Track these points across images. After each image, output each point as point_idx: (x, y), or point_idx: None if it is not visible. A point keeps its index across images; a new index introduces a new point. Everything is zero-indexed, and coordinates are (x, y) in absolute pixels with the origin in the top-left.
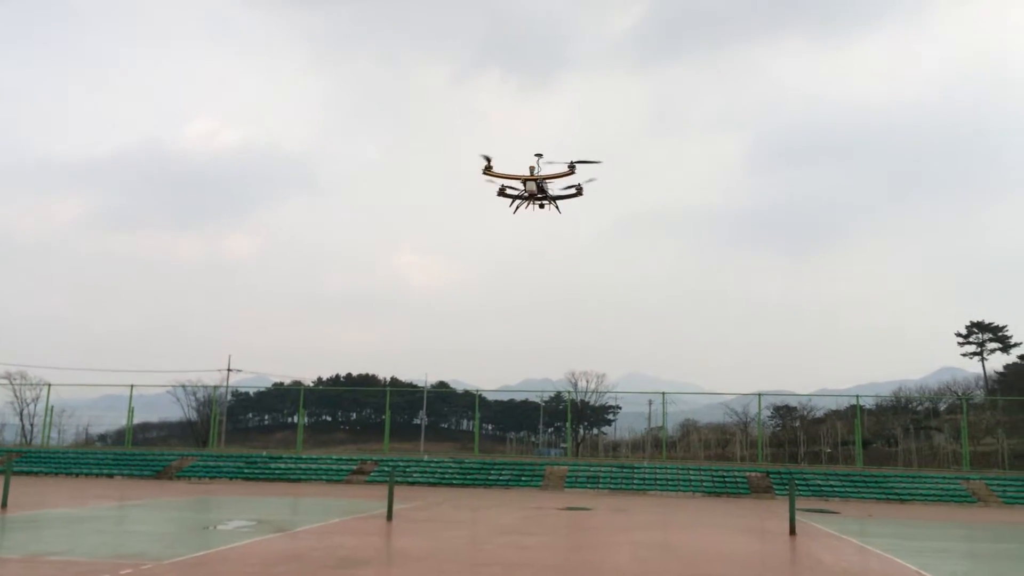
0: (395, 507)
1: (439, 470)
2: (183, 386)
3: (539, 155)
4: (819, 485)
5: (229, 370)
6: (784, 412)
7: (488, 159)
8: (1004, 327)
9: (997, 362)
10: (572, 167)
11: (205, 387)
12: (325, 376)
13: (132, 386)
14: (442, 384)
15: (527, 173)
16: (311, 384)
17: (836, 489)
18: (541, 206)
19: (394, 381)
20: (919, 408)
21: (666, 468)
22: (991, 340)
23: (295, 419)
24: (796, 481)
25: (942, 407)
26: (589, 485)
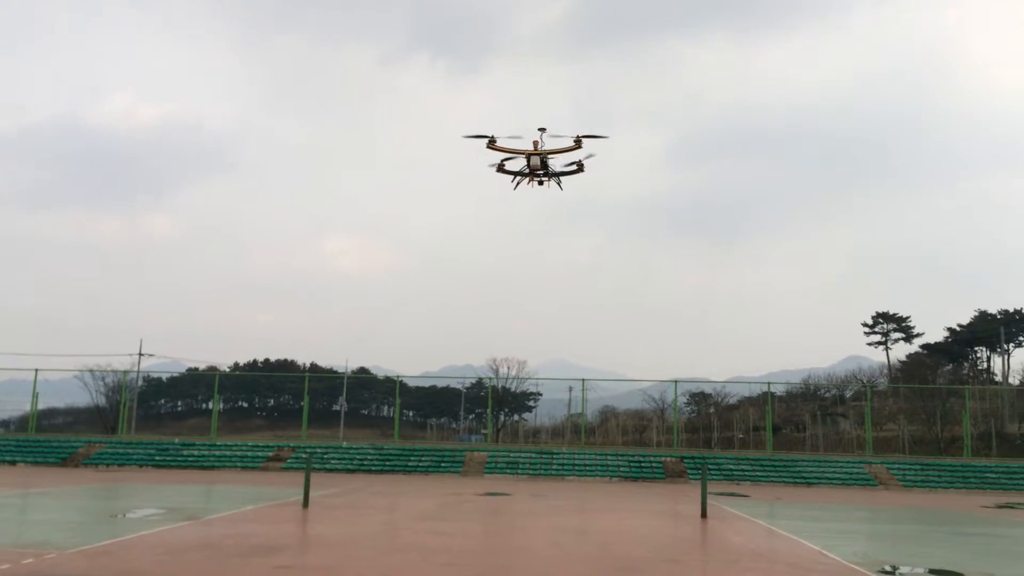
0: (312, 494)
1: (358, 456)
2: (91, 371)
3: (543, 129)
4: (731, 469)
5: (140, 354)
6: (699, 399)
7: (491, 137)
8: (907, 318)
9: (900, 351)
10: (579, 142)
11: (115, 372)
12: (242, 361)
13: (37, 370)
14: (363, 370)
15: (531, 148)
16: (227, 369)
17: (747, 473)
18: (541, 182)
19: (314, 367)
20: (827, 395)
21: (585, 454)
22: (895, 330)
23: (210, 405)
24: (709, 466)
25: (848, 394)
26: (509, 471)
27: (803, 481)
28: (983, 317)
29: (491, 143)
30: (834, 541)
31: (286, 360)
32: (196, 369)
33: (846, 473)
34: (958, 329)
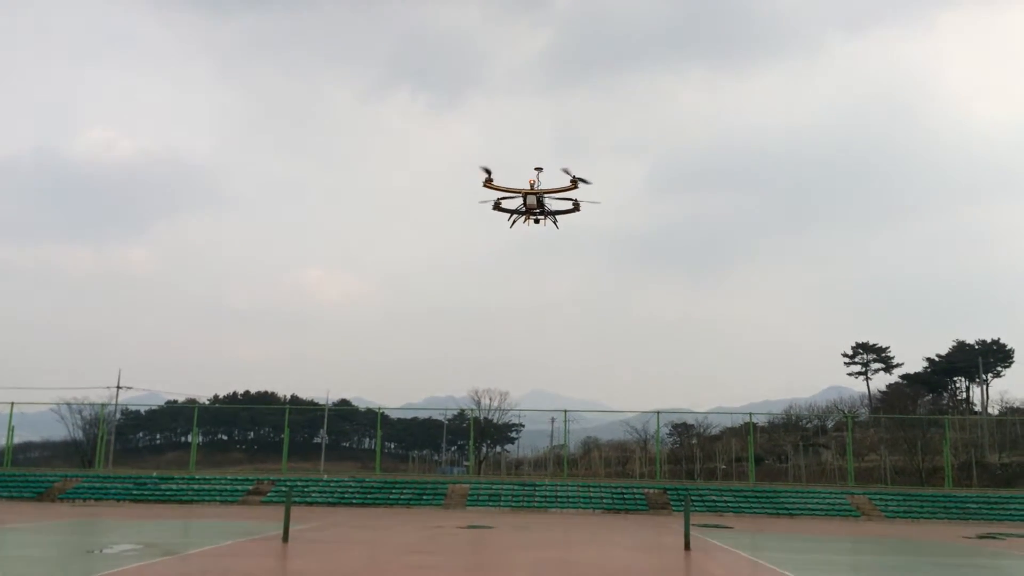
0: (292, 528)
1: (339, 490)
2: (68, 404)
3: (539, 169)
4: (714, 501)
5: (119, 387)
6: (682, 429)
7: (488, 171)
8: (887, 348)
9: (880, 381)
10: (575, 182)
11: (92, 405)
12: (222, 394)
13: (12, 403)
14: (344, 402)
15: (527, 187)
16: (206, 402)
17: (730, 504)
18: (536, 221)
19: (294, 399)
20: (808, 425)
21: (567, 486)
22: (875, 360)
23: (189, 438)
24: (692, 497)
25: (830, 424)
26: (491, 503)
27: (786, 512)
28: (961, 347)
29: (488, 182)
30: (817, 573)
31: (266, 392)
32: (175, 402)
33: (828, 504)
34: (937, 359)
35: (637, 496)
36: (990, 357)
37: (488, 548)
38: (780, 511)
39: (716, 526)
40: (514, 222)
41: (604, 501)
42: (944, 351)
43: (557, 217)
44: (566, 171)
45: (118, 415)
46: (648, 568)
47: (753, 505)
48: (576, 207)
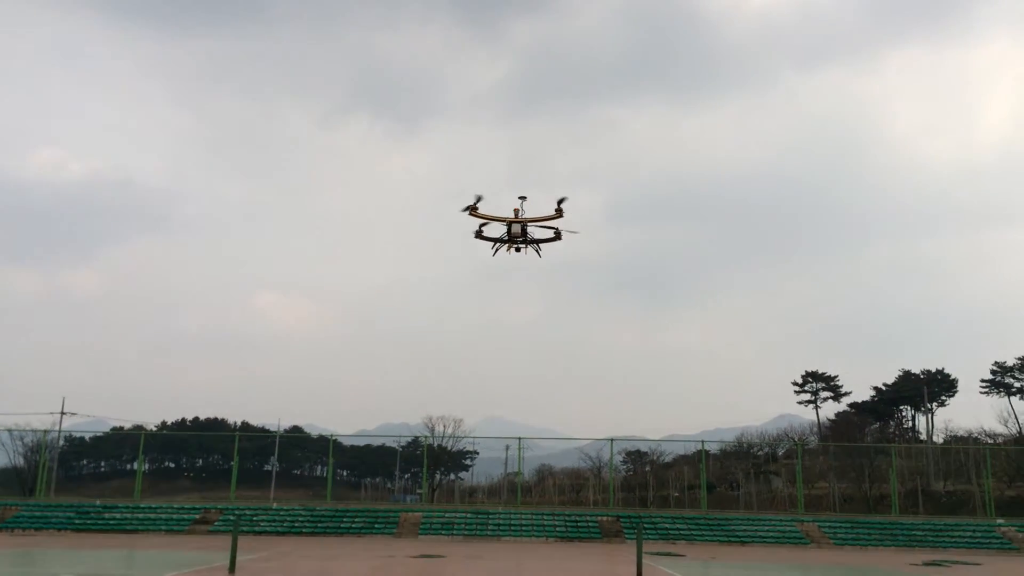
0: (239, 558)
1: (288, 518)
2: (9, 430)
3: (523, 198)
4: (667, 528)
5: (63, 413)
6: (635, 457)
7: (475, 203)
8: (835, 377)
9: (829, 410)
10: (559, 211)
11: (34, 431)
12: (170, 420)
13: None
14: (296, 428)
15: (511, 215)
16: (154, 428)
17: (682, 532)
18: (518, 249)
19: (245, 425)
20: (759, 453)
21: (520, 514)
22: (824, 389)
23: (135, 466)
24: (645, 525)
25: (780, 452)
26: (444, 532)
27: (737, 540)
28: (907, 377)
29: (473, 210)
30: None
31: (216, 418)
32: (121, 428)
33: (779, 531)
34: (883, 388)
35: (591, 524)
36: (935, 387)
37: None
38: (732, 538)
39: (668, 554)
40: (497, 250)
41: (558, 529)
42: (890, 380)
43: (540, 245)
44: (560, 202)
45: (61, 442)
46: None
47: (705, 533)
48: (558, 236)
